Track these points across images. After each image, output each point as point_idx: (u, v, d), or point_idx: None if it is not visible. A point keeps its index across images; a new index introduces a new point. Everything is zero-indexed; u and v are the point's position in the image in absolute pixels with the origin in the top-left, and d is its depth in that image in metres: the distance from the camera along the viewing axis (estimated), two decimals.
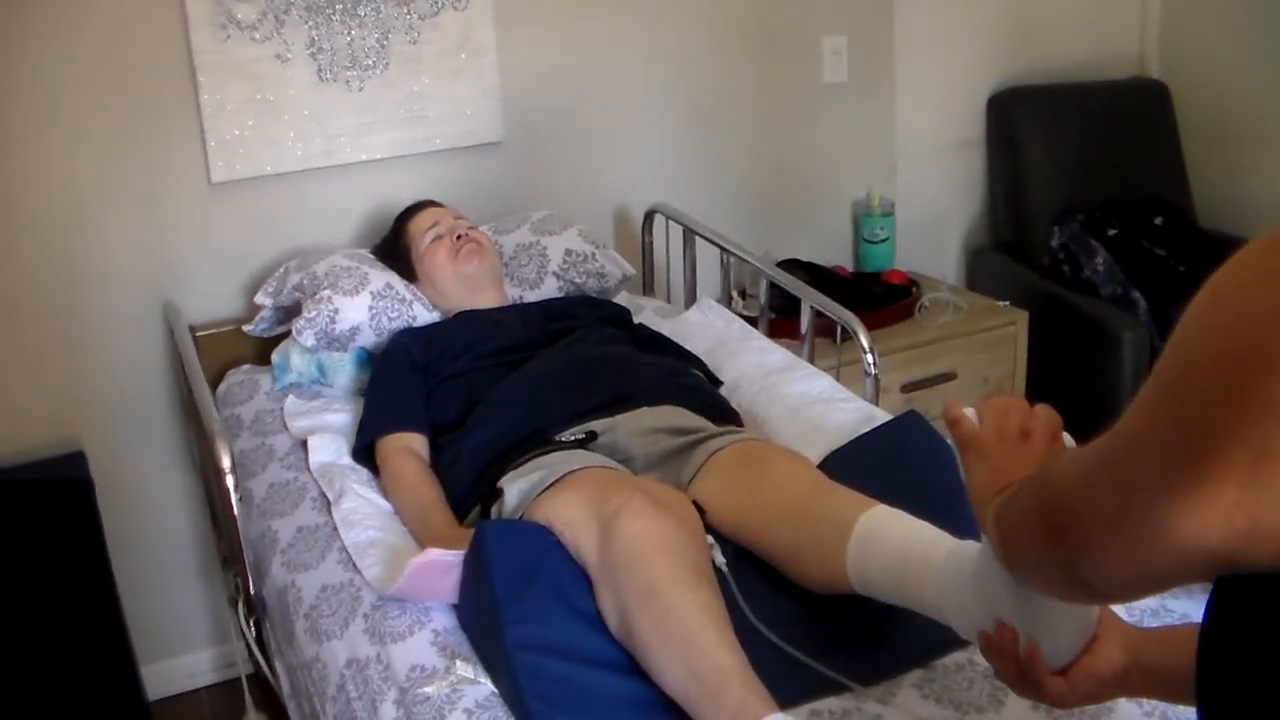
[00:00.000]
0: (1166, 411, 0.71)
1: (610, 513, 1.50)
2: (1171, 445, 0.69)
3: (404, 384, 2.12)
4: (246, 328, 2.48)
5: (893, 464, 1.73)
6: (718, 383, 2.22)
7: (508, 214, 2.65)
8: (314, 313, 2.27)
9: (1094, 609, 1.15)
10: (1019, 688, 1.19)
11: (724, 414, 2.00)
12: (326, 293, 2.29)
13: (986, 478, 1.09)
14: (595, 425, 1.88)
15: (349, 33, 2.52)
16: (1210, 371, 0.67)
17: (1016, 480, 1.04)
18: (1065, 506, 0.82)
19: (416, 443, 2.03)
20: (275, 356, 2.41)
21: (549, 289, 2.48)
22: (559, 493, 1.63)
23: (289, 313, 2.44)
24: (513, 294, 2.46)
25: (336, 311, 2.27)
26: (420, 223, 2.37)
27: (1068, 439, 1.13)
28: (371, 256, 2.44)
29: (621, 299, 2.61)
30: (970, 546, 1.29)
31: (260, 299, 2.44)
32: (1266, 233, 0.68)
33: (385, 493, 1.98)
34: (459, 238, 2.31)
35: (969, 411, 1.15)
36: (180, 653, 2.72)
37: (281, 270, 2.45)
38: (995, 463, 1.09)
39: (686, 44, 2.90)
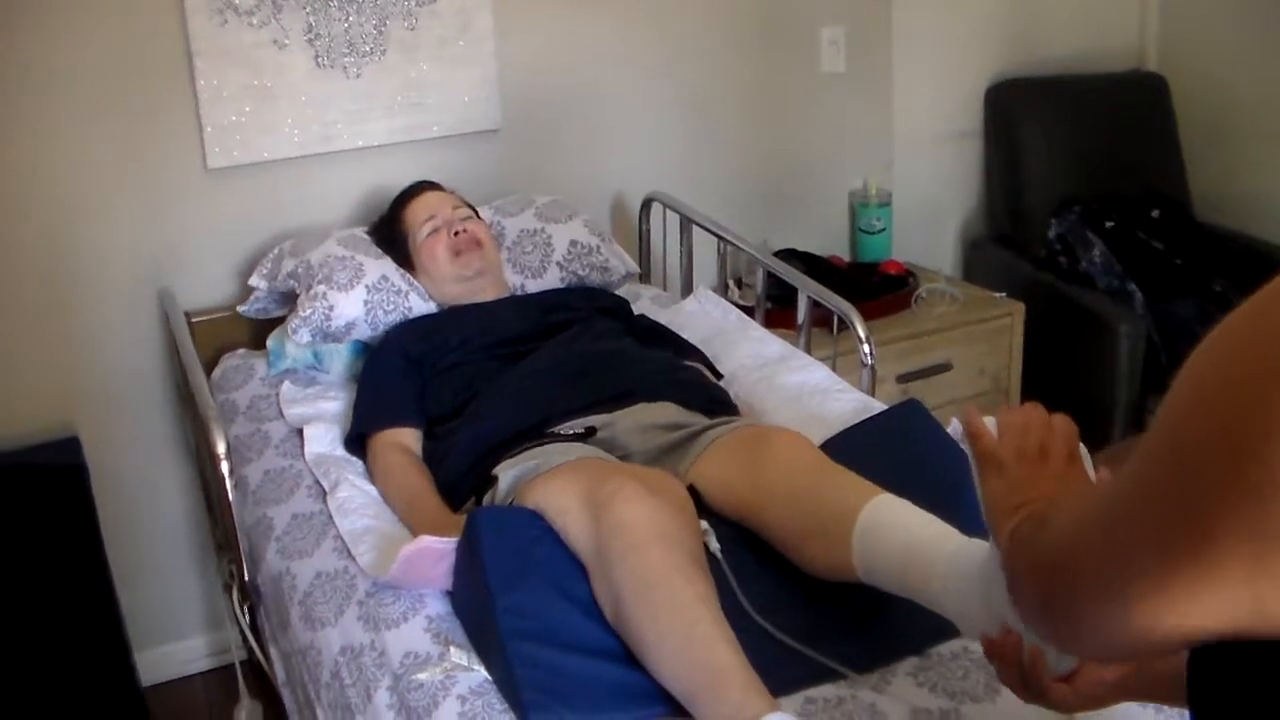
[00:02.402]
0: (1164, 482, 0.64)
1: (604, 499, 1.50)
2: (1169, 534, 0.63)
3: (396, 380, 2.11)
4: (240, 307, 2.48)
5: (893, 450, 1.73)
6: (719, 375, 2.21)
7: (509, 197, 2.64)
8: (309, 310, 2.26)
9: None
10: (1022, 692, 1.19)
11: (722, 408, 1.99)
12: (321, 288, 2.27)
13: (1003, 493, 1.07)
14: (594, 421, 1.88)
15: (347, 19, 2.52)
16: (1210, 440, 0.60)
17: (1034, 499, 1.02)
18: (1058, 564, 0.77)
19: (407, 437, 2.03)
20: (270, 342, 2.40)
21: (551, 279, 2.46)
22: (551, 478, 1.63)
23: (284, 297, 2.43)
24: (514, 281, 2.45)
25: (332, 308, 2.26)
26: (417, 211, 2.35)
27: (1085, 453, 1.12)
28: (367, 239, 2.42)
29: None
30: (976, 547, 1.29)
31: (255, 281, 2.43)
32: None
33: None
34: (457, 234, 2.29)
35: (989, 421, 1.14)
36: (174, 639, 2.72)
37: (276, 251, 2.44)
38: (1012, 479, 1.08)
39: (685, 33, 2.90)
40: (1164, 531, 0.63)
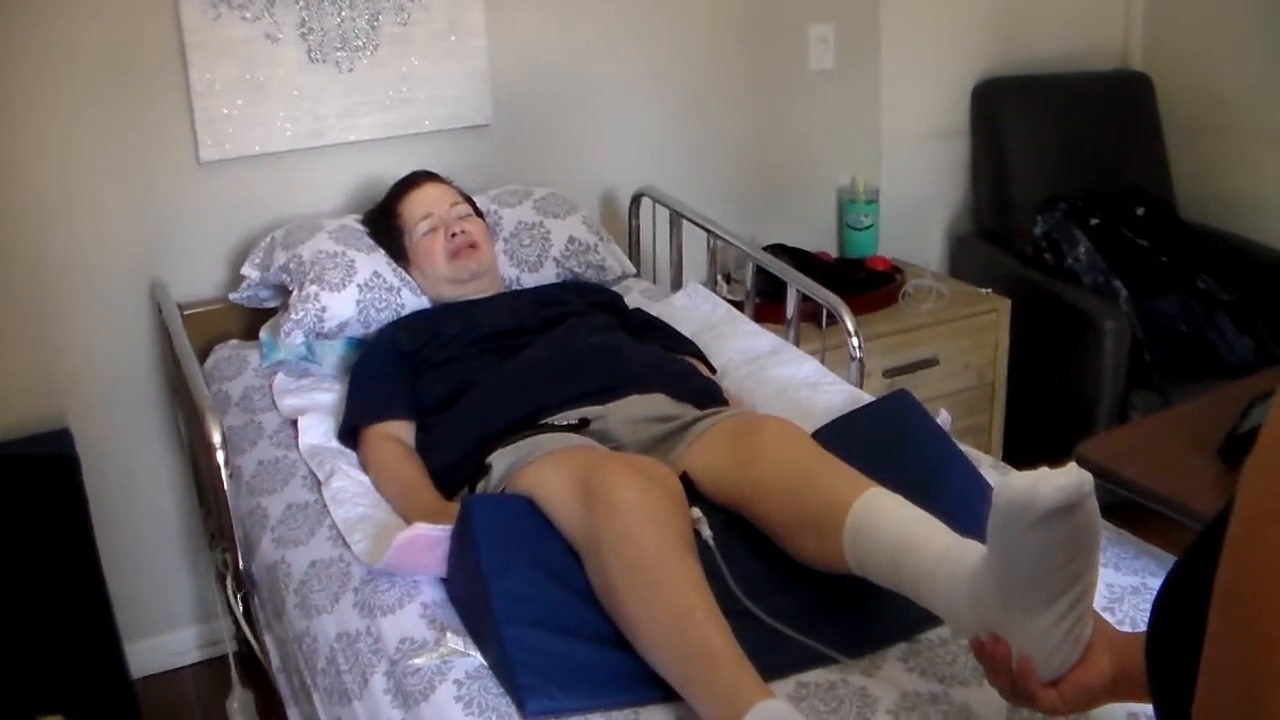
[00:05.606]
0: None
1: (595, 484, 1.51)
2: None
3: (389, 374, 2.12)
4: (232, 295, 2.48)
5: (883, 440, 1.74)
6: (713, 369, 2.22)
7: (507, 186, 2.65)
8: (301, 314, 2.26)
9: (1089, 627, 1.18)
10: (1010, 696, 1.22)
11: (713, 401, 2.00)
12: (313, 288, 2.28)
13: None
14: (587, 412, 1.89)
15: (339, 14, 2.53)
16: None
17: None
18: None
19: (400, 429, 2.03)
20: (263, 334, 2.41)
21: (548, 274, 2.47)
22: (542, 465, 1.64)
23: (276, 287, 2.44)
24: (510, 275, 2.45)
25: (324, 310, 2.27)
26: (414, 208, 2.33)
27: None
28: (359, 229, 2.42)
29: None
30: (965, 548, 1.30)
31: (246, 270, 2.44)
32: None
33: None
34: (454, 235, 2.29)
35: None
36: (165, 630, 2.72)
37: (268, 240, 2.44)
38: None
39: (675, 29, 2.91)
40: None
